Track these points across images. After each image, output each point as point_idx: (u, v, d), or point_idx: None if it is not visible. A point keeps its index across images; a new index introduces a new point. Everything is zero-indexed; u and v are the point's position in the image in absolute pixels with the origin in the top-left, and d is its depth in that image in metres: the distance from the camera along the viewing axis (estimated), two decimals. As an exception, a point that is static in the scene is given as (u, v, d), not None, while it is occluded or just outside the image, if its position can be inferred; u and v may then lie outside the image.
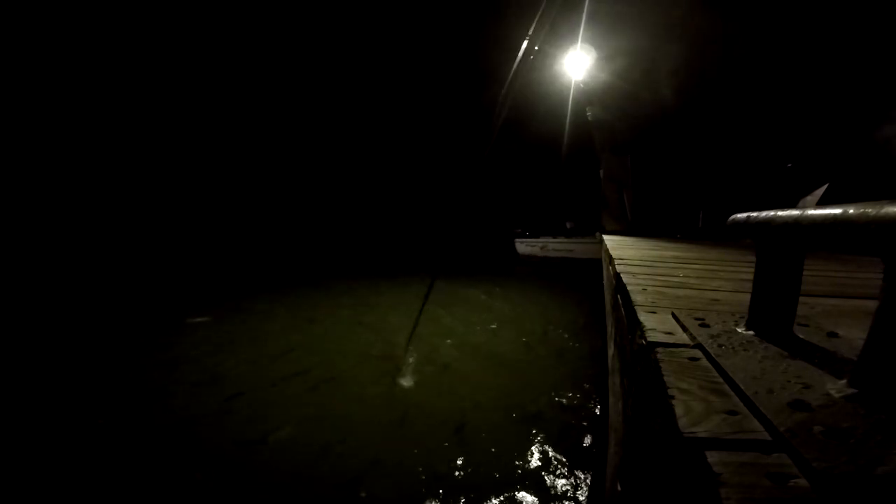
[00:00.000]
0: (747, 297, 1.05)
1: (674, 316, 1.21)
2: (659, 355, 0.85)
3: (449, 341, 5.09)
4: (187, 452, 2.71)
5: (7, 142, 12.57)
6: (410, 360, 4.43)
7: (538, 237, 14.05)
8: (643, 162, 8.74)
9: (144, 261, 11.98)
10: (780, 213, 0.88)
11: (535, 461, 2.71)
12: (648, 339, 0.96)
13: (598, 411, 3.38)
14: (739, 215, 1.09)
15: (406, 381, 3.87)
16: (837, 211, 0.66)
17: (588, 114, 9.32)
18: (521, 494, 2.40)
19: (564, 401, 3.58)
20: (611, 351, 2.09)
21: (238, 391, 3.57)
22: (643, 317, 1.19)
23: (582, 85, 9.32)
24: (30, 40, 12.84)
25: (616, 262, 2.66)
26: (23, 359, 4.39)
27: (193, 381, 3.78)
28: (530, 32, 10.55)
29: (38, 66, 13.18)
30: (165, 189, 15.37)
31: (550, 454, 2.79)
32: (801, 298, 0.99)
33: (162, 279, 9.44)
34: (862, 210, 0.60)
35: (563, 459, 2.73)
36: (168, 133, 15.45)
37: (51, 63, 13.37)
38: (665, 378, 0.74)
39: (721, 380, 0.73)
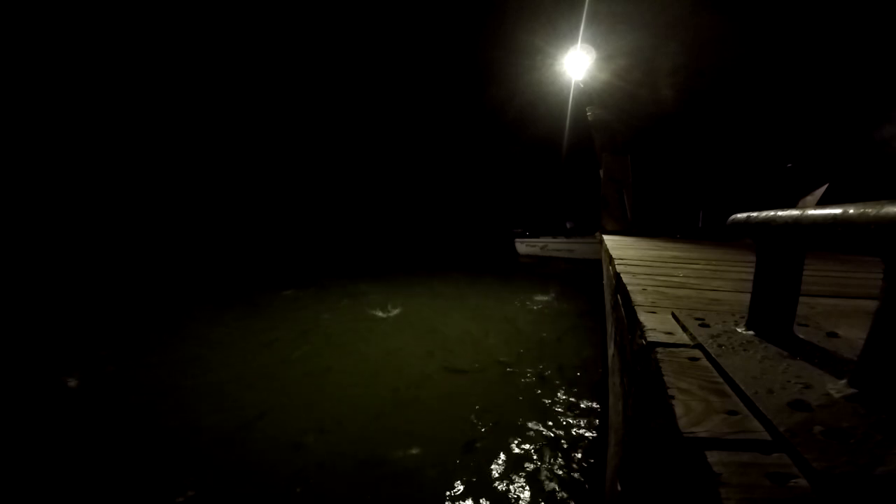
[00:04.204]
0: (747, 297, 1.05)
1: (674, 316, 1.21)
2: (659, 355, 0.85)
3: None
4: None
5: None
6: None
7: (538, 237, 14.02)
8: (643, 162, 8.73)
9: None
10: (780, 213, 0.88)
11: (534, 456, 2.71)
12: (648, 339, 0.96)
13: (598, 411, 3.38)
14: (739, 215, 1.09)
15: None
16: (837, 211, 0.66)
17: (588, 114, 9.31)
18: (522, 494, 2.40)
19: (567, 398, 3.58)
20: (611, 351, 2.09)
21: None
22: (643, 317, 1.18)
23: (582, 85, 9.32)
24: (30, 40, 12.82)
25: (616, 262, 2.66)
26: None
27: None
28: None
29: (39, 66, 13.16)
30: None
31: (551, 449, 2.79)
32: (801, 298, 0.99)
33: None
34: (862, 210, 0.60)
35: (564, 457, 2.73)
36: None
37: (55, 64, 13.35)
38: (665, 378, 0.74)
39: (721, 380, 0.73)
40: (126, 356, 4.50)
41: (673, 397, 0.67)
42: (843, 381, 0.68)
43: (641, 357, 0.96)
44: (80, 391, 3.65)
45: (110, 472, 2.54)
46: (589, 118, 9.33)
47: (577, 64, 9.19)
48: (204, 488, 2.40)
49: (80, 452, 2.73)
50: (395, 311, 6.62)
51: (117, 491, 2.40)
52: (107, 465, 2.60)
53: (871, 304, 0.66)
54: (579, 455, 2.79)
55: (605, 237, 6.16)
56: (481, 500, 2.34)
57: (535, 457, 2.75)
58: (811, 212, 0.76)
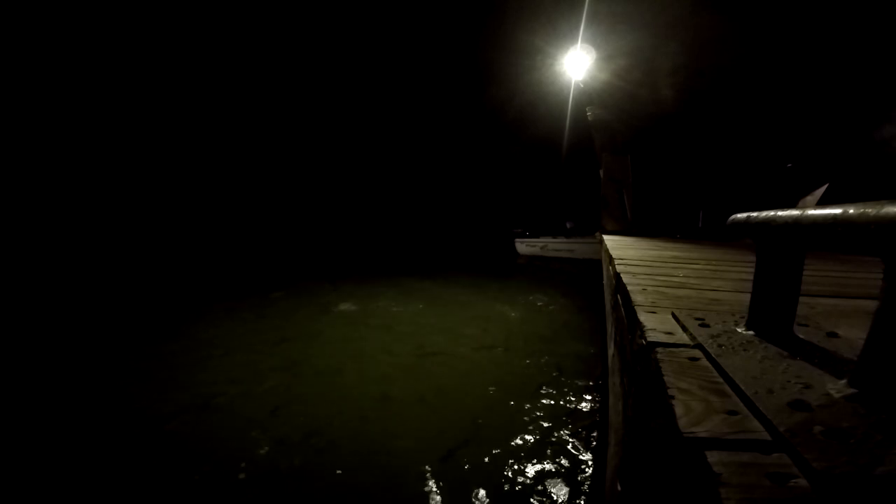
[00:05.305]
0: (747, 297, 1.05)
1: (674, 316, 1.21)
2: (659, 355, 0.85)
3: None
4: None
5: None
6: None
7: (538, 237, 14.02)
8: (643, 162, 8.73)
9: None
10: (780, 213, 0.88)
11: (533, 455, 2.71)
12: (648, 339, 0.96)
13: (597, 411, 3.38)
14: (739, 215, 1.09)
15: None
16: (837, 211, 0.66)
17: (588, 114, 9.31)
18: (520, 493, 2.40)
19: (566, 399, 3.58)
20: (611, 351, 2.09)
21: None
22: (643, 317, 1.18)
23: (582, 85, 9.32)
24: (30, 40, 12.82)
25: (616, 262, 2.66)
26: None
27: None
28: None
29: (39, 66, 13.16)
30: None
31: (550, 449, 2.79)
32: (801, 298, 0.99)
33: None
34: (862, 210, 0.60)
35: (563, 457, 2.74)
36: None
37: (52, 63, 13.34)
38: (665, 378, 0.74)
39: (721, 380, 0.73)
40: (129, 358, 4.49)
41: (673, 397, 0.67)
42: (843, 381, 0.68)
43: (641, 357, 0.96)
44: (85, 394, 3.65)
45: (118, 471, 2.54)
46: (589, 118, 9.33)
47: (577, 64, 9.20)
48: (211, 483, 2.40)
49: (85, 452, 2.73)
50: (397, 311, 6.63)
51: (123, 489, 2.40)
52: (114, 464, 2.60)
53: (871, 304, 0.66)
54: (578, 454, 2.79)
55: (605, 237, 6.16)
56: (479, 499, 2.34)
57: (533, 456, 2.75)
58: (811, 212, 0.75)
